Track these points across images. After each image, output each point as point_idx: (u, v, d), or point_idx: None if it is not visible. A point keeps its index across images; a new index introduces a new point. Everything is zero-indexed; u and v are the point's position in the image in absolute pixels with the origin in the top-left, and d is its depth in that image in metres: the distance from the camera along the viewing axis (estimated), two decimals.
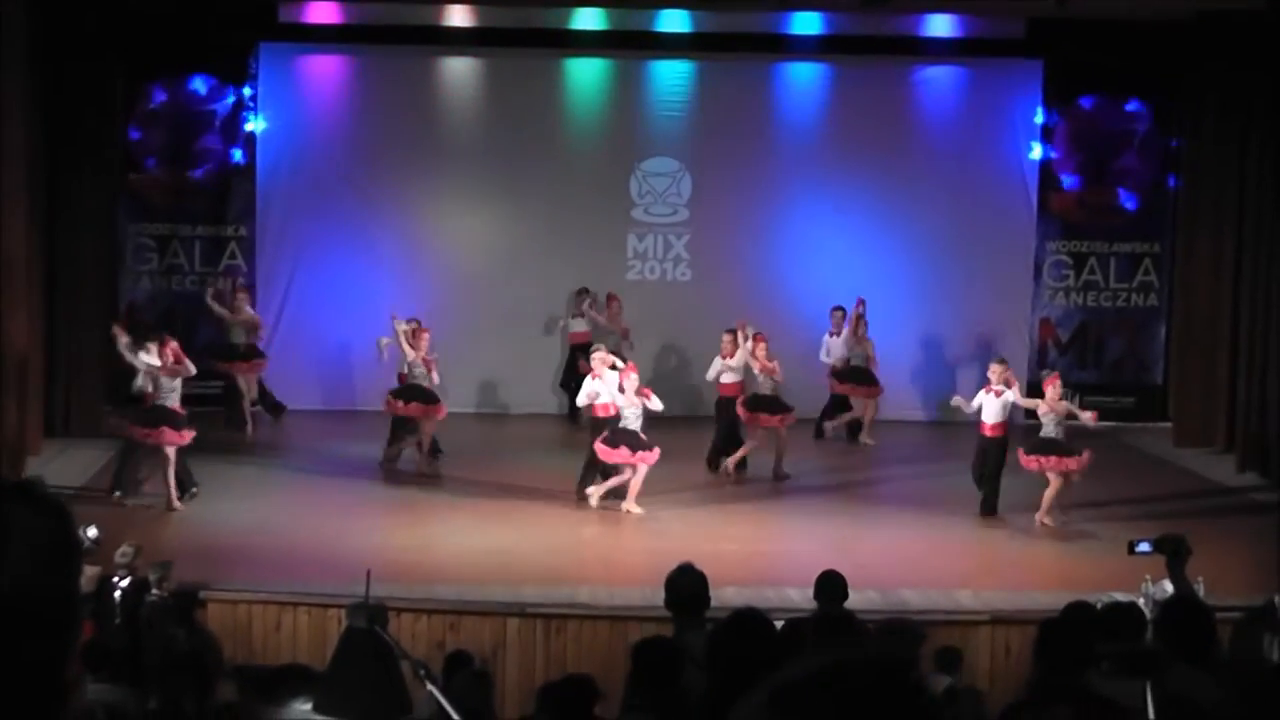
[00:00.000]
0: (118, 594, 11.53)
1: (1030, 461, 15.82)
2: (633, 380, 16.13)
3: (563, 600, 12.89)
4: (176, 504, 15.52)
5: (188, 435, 15.77)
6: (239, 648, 12.13)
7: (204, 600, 12.17)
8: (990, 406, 16.17)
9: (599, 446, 16.00)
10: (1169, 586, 9.70)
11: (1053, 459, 15.71)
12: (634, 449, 15.90)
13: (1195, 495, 17.26)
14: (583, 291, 20.43)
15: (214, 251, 21.05)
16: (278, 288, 21.04)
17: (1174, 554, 7.79)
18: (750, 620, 5.89)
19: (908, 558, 14.52)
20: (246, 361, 19.59)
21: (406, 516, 15.82)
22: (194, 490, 15.93)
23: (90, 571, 11.53)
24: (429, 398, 17.23)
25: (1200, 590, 8.26)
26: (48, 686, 2.21)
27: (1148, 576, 11.26)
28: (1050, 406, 15.95)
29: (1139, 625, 7.71)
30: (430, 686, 5.40)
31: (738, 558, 13.89)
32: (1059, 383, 16.36)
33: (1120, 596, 10.02)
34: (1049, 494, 15.68)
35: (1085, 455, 15.73)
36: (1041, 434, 15.93)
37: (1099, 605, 8.08)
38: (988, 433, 16.17)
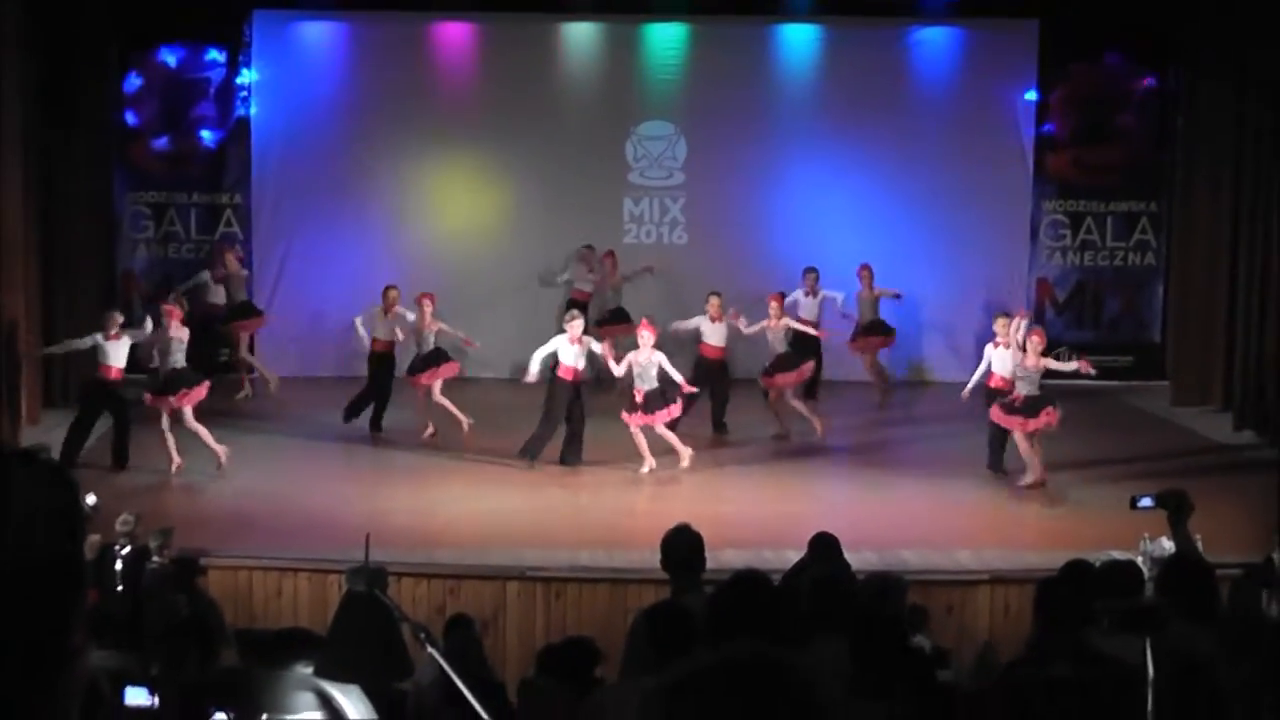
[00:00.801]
0: (119, 562, 11.55)
1: (1003, 419, 15.69)
2: (646, 338, 16.24)
3: (562, 564, 12.90)
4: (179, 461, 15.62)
5: (202, 390, 15.91)
6: (240, 613, 12.14)
7: (205, 567, 12.18)
8: (1000, 359, 16.14)
9: (625, 416, 16.10)
10: (1167, 545, 9.71)
11: (1017, 418, 15.54)
12: (651, 410, 16.02)
13: (1193, 453, 17.28)
14: (588, 249, 20.47)
15: (210, 219, 21.05)
16: (274, 254, 21.05)
17: (1176, 509, 7.78)
18: (750, 581, 5.90)
19: (908, 518, 14.53)
20: (244, 320, 19.72)
21: (406, 481, 15.83)
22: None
23: (91, 539, 11.55)
24: (437, 359, 17.42)
25: (1199, 547, 8.26)
26: (55, 653, 2.21)
27: (1146, 534, 11.27)
28: (1031, 363, 15.68)
29: (1138, 582, 7.73)
30: (431, 650, 5.40)
31: (737, 519, 13.90)
32: (1039, 339, 15.94)
33: (1119, 554, 10.04)
34: (1023, 453, 15.56)
35: (1053, 413, 15.52)
36: (1016, 390, 15.74)
37: (1098, 564, 8.10)
38: (996, 384, 16.12)
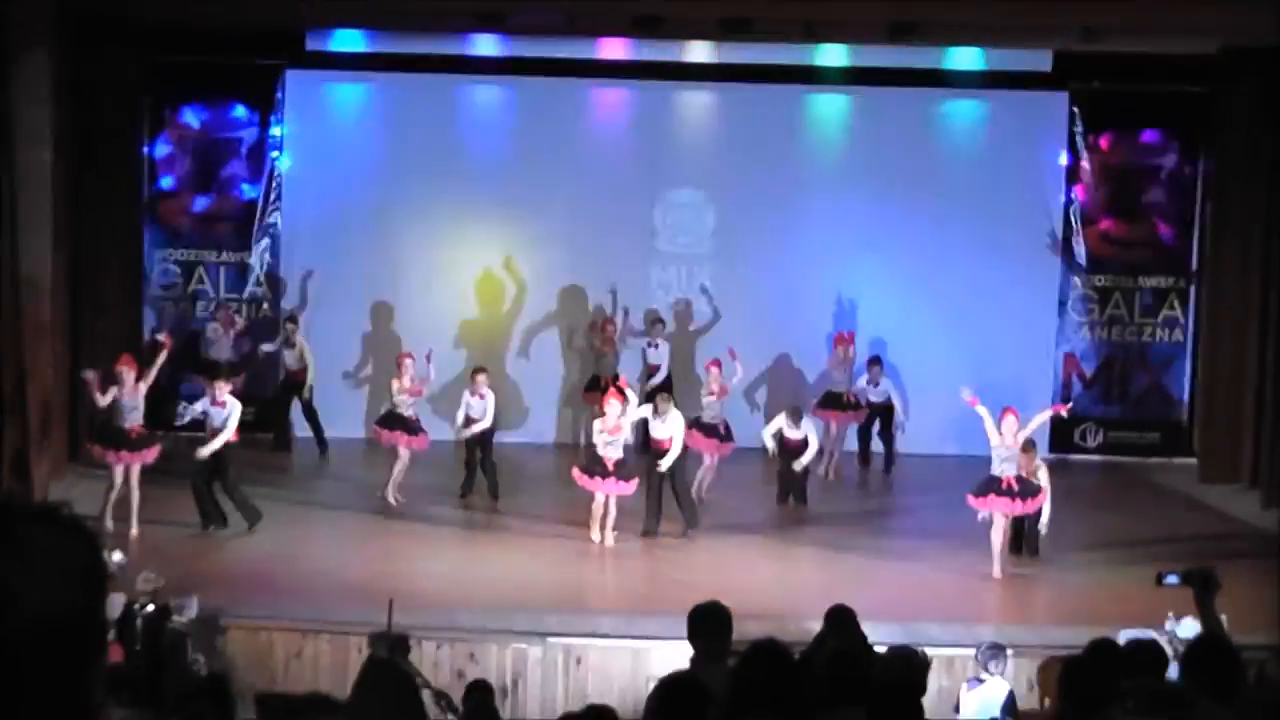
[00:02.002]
0: (139, 620, 11.54)
1: (979, 503, 15.25)
2: (614, 407, 16.03)
3: (583, 629, 12.86)
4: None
5: (149, 455, 15.83)
6: (261, 673, 12.13)
7: (225, 627, 12.17)
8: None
9: (575, 473, 16.05)
10: (1191, 623, 9.65)
11: (1003, 500, 15.05)
12: (604, 477, 15.81)
13: (1220, 531, 17.18)
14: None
15: (238, 278, 21.11)
16: (301, 314, 21.09)
17: (1202, 587, 7.73)
18: (769, 653, 5.86)
19: (930, 591, 14.47)
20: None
21: (428, 544, 15.82)
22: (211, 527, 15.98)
23: (114, 597, 11.54)
24: (411, 427, 17.27)
25: (1225, 626, 8.20)
26: (74, 711, 2.20)
27: (1170, 613, 11.20)
28: (1011, 441, 15.15)
29: (1162, 662, 7.68)
30: (450, 716, 5.39)
31: (759, 588, 13.85)
32: (1013, 418, 15.30)
33: (1143, 633, 9.97)
34: (996, 541, 15.04)
35: (1039, 498, 15.12)
36: (992, 471, 15.22)
37: (1123, 641, 8.04)
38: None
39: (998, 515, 15.00)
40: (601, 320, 20.61)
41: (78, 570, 2.23)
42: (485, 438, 17.64)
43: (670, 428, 16.29)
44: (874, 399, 19.73)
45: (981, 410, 15.39)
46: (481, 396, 17.41)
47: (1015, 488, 15.00)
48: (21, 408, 16.10)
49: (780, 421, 17.69)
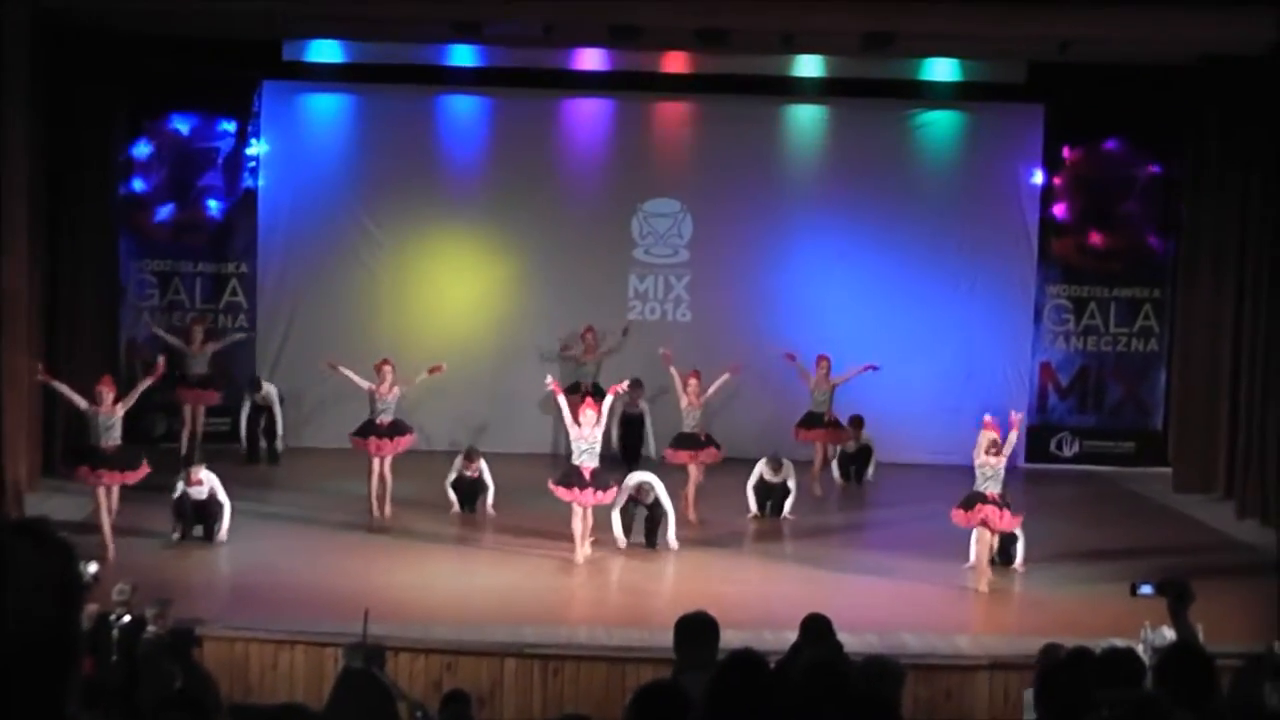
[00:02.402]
0: (115, 631, 11.50)
1: (964, 519, 15.03)
2: (589, 416, 15.84)
3: (561, 640, 12.85)
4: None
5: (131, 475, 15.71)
6: (236, 685, 12.09)
7: (200, 638, 12.13)
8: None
9: (551, 485, 15.90)
10: (1168, 633, 9.67)
11: (987, 510, 14.83)
12: (582, 488, 15.67)
13: (1194, 541, 17.22)
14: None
15: (215, 288, 21.08)
16: (278, 325, 21.11)
17: (1177, 597, 7.74)
18: (746, 663, 5.87)
19: (906, 601, 14.48)
20: (200, 390, 19.75)
21: (405, 555, 15.79)
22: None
23: (89, 609, 11.50)
24: (391, 431, 17.26)
25: (1200, 636, 8.22)
26: None
27: (1147, 623, 11.23)
28: (995, 461, 14.85)
29: (1138, 672, 7.69)
30: None
31: (737, 599, 13.85)
32: (991, 431, 14.92)
33: (1119, 642, 9.99)
34: (983, 556, 14.89)
35: (1015, 518, 15.02)
36: (976, 486, 14.99)
37: (1098, 651, 8.05)
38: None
39: (982, 531, 14.91)
40: (582, 329, 20.63)
41: (54, 584, 2.24)
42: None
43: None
44: (849, 450, 19.78)
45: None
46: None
47: (1000, 503, 14.92)
48: None
49: (760, 469, 17.77)
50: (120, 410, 15.59)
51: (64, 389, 15.75)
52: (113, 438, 15.53)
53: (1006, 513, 14.90)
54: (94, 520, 15.44)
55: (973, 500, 14.93)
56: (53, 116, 18.02)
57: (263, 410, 20.17)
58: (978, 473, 14.94)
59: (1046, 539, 15.97)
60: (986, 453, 14.82)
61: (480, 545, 16.31)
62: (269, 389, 20.19)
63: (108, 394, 15.55)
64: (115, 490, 15.53)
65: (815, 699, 6.61)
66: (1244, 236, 19.03)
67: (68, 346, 18.80)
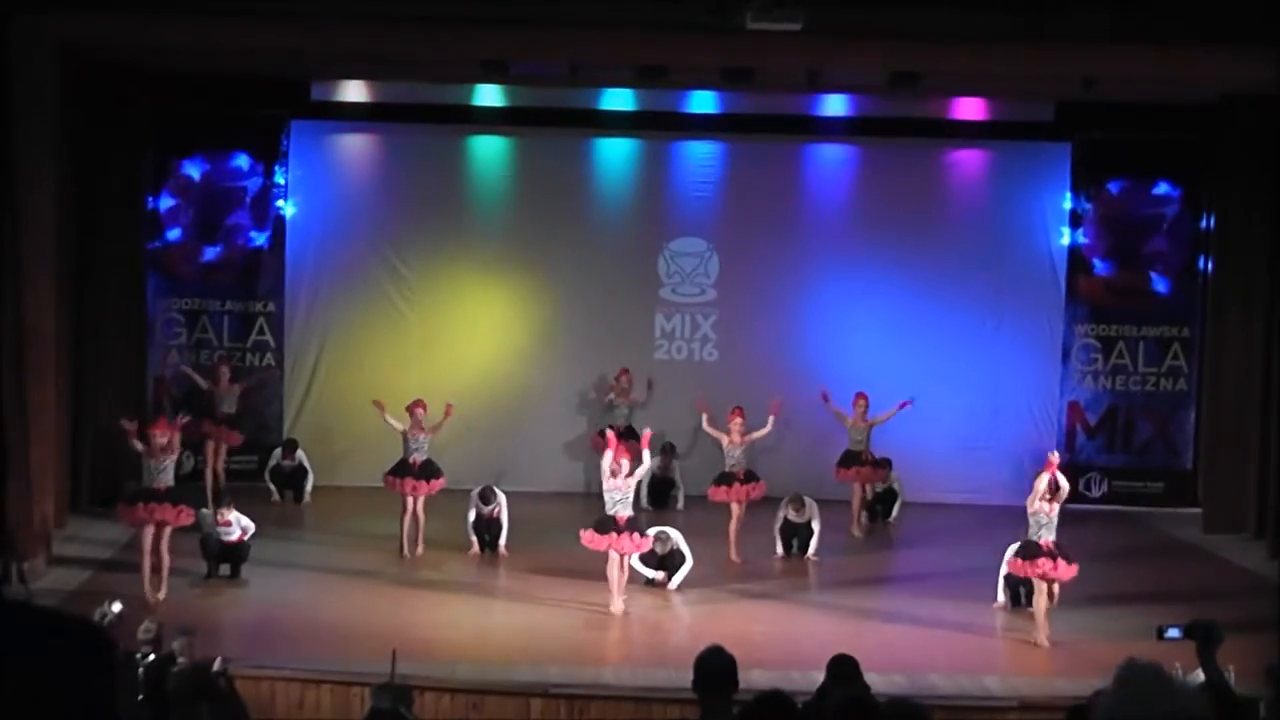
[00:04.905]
0: (141, 670, 11.49)
1: (1023, 569, 14.70)
2: (623, 465, 15.45)
3: (587, 680, 12.81)
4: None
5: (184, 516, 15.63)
6: None
7: (229, 674, 12.11)
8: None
9: (584, 535, 15.58)
10: (1199, 676, 9.58)
11: (1045, 562, 14.49)
12: (619, 533, 15.31)
13: (1225, 582, 17.10)
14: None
15: (243, 327, 21.12)
16: (306, 363, 21.15)
17: (1205, 640, 7.65)
18: (775, 704, 5.84)
19: (934, 642, 14.41)
20: (226, 429, 19.69)
21: (432, 594, 15.77)
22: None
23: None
24: (423, 473, 17.30)
25: (1230, 679, 8.13)
26: None
27: (1177, 665, 11.12)
28: (1050, 509, 14.46)
29: None
30: None
31: (764, 639, 13.81)
32: (1053, 473, 14.42)
33: None
34: (1041, 607, 14.56)
35: (1072, 566, 14.61)
36: (1030, 534, 14.63)
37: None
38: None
39: (1039, 582, 14.61)
40: (617, 371, 20.58)
41: (91, 680, 2.25)
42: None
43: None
44: (877, 490, 19.77)
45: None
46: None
47: (1056, 552, 14.57)
48: (25, 455, 16.06)
49: (784, 510, 17.75)
50: (171, 459, 15.50)
51: (134, 440, 15.65)
52: (165, 480, 15.51)
53: (1062, 562, 14.59)
54: (137, 560, 15.37)
55: (1030, 551, 14.58)
56: (81, 154, 18.08)
57: (292, 472, 20.18)
58: (1031, 520, 14.52)
59: (1075, 580, 15.85)
60: (1042, 498, 14.42)
61: (506, 584, 16.28)
62: (301, 455, 20.19)
63: (161, 438, 15.46)
64: (167, 533, 15.43)
65: None
66: (1273, 274, 18.96)
67: (94, 383, 18.86)
